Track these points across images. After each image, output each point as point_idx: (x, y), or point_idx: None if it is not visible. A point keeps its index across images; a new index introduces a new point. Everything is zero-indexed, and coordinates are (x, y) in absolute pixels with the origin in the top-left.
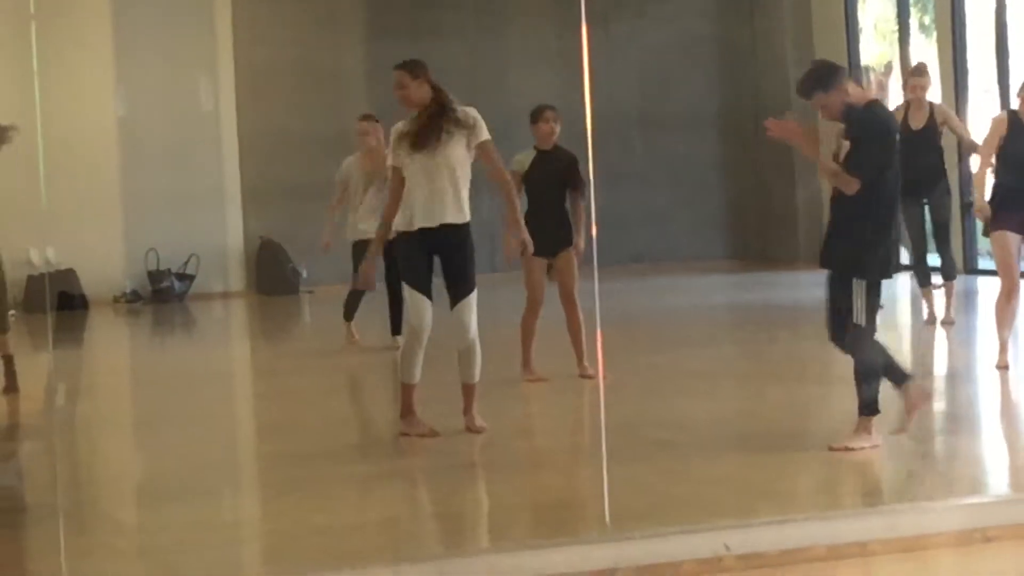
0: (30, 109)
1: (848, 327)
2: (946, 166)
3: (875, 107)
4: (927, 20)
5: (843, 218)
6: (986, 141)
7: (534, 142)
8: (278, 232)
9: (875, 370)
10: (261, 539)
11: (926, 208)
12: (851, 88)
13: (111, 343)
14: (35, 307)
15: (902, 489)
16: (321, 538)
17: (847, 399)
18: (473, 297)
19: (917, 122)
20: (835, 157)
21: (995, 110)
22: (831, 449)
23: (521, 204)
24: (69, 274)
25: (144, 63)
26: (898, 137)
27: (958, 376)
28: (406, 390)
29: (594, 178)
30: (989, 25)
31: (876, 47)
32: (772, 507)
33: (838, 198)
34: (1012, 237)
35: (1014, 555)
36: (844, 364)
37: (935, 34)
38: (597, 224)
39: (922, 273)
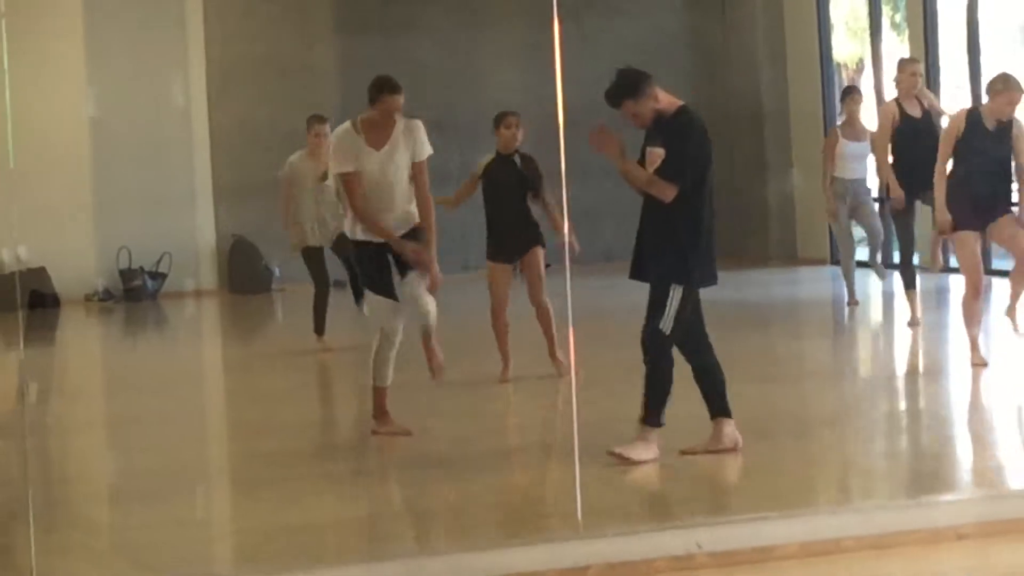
0: (0, 108)
1: (647, 327)
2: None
3: (684, 114)
4: (898, 17)
5: (661, 226)
6: (942, 139)
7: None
8: (250, 230)
9: (667, 380)
10: (234, 537)
11: (916, 208)
12: (660, 95)
13: (83, 342)
14: (6, 306)
15: (875, 486)
16: (294, 536)
17: (819, 396)
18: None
19: (914, 110)
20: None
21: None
22: (609, 454)
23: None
24: (40, 272)
25: (115, 60)
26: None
27: (935, 374)
28: (379, 392)
29: (565, 175)
30: (961, 22)
31: (848, 44)
32: (744, 504)
33: (653, 207)
34: (974, 236)
35: (986, 553)
36: (816, 361)
37: (907, 31)
38: (569, 221)
39: (909, 275)
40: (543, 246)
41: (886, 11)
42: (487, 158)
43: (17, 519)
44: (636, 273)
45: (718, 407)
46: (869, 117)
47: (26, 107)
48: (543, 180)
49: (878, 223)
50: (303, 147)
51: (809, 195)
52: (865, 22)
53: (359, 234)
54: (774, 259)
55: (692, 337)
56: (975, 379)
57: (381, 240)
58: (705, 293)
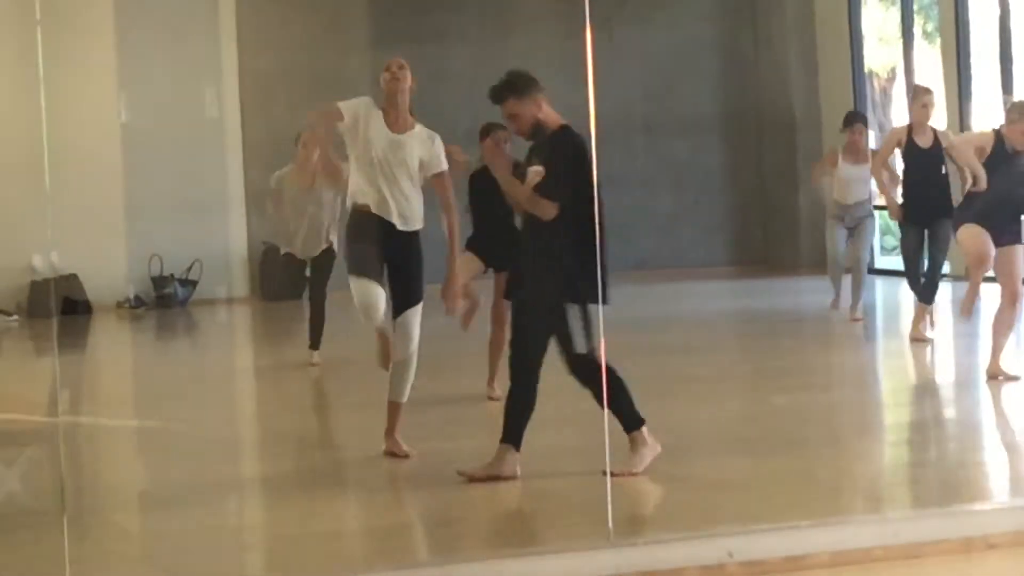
0: (36, 115)
1: (572, 357)
2: (951, 202)
3: (567, 131)
4: (930, 27)
5: (547, 245)
6: (968, 149)
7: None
8: None
9: (623, 384)
10: (264, 545)
11: (925, 235)
12: (545, 107)
13: (114, 349)
14: (39, 312)
15: (905, 496)
16: (324, 544)
17: (851, 405)
18: (419, 308)
19: (924, 141)
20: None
21: (999, 117)
22: (614, 475)
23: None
24: (72, 280)
25: (148, 69)
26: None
27: (965, 384)
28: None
29: (597, 184)
30: (993, 32)
31: (880, 53)
32: (775, 514)
33: (535, 226)
34: (1014, 251)
35: (1016, 562)
36: (847, 370)
37: (939, 40)
38: (600, 230)
39: (918, 292)
40: None
41: (918, 20)
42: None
43: (50, 526)
44: (515, 291)
45: (510, 432)
46: None
47: (60, 116)
48: None
49: (866, 256)
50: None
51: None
52: (897, 31)
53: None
54: (805, 267)
55: (534, 357)
56: (1004, 390)
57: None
58: (735, 302)
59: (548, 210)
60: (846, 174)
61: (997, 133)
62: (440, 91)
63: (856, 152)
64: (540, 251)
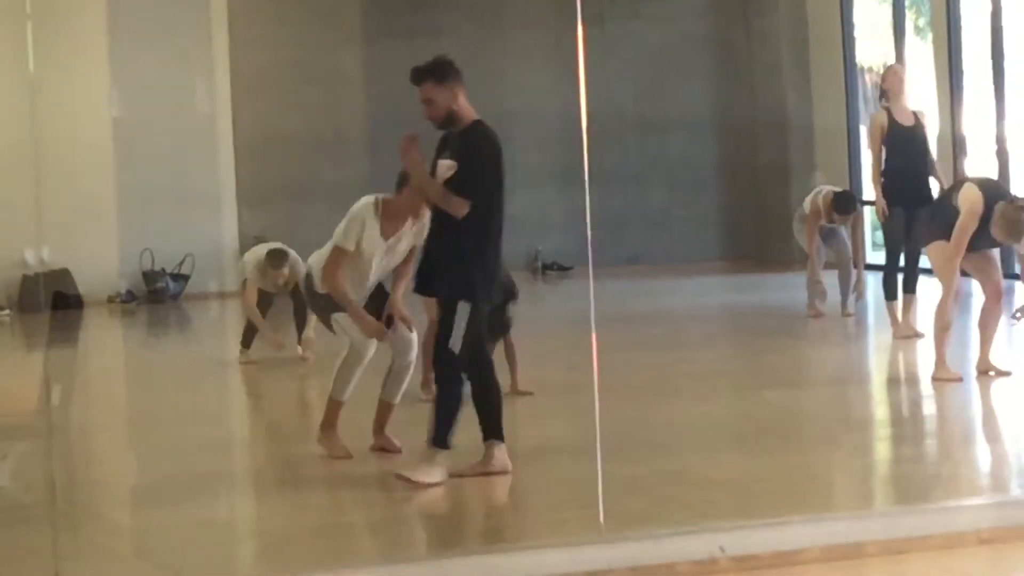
0: (27, 110)
1: (463, 354)
2: (931, 190)
3: (482, 127)
4: (922, 22)
5: (450, 242)
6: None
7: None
8: (273, 233)
9: (494, 395)
10: (256, 538)
11: (900, 215)
12: (461, 100)
13: (106, 343)
14: (30, 307)
15: (897, 491)
16: (316, 537)
17: (843, 400)
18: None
19: (904, 119)
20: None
21: (990, 111)
22: (397, 477)
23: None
24: (64, 274)
25: (140, 63)
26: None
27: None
28: (334, 405)
29: (589, 179)
30: (985, 27)
31: (872, 48)
32: (767, 509)
33: (443, 221)
34: (985, 254)
35: (1008, 557)
36: (839, 365)
37: (930, 36)
38: (593, 226)
39: (890, 286)
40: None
41: (910, 15)
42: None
43: (40, 521)
44: (421, 287)
45: (440, 436)
46: None
47: (51, 110)
48: None
49: (848, 251)
50: (326, 152)
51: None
52: (889, 26)
53: None
54: (797, 263)
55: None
56: (994, 385)
57: None
58: (728, 297)
59: (459, 207)
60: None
61: None
62: None
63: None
64: (444, 248)
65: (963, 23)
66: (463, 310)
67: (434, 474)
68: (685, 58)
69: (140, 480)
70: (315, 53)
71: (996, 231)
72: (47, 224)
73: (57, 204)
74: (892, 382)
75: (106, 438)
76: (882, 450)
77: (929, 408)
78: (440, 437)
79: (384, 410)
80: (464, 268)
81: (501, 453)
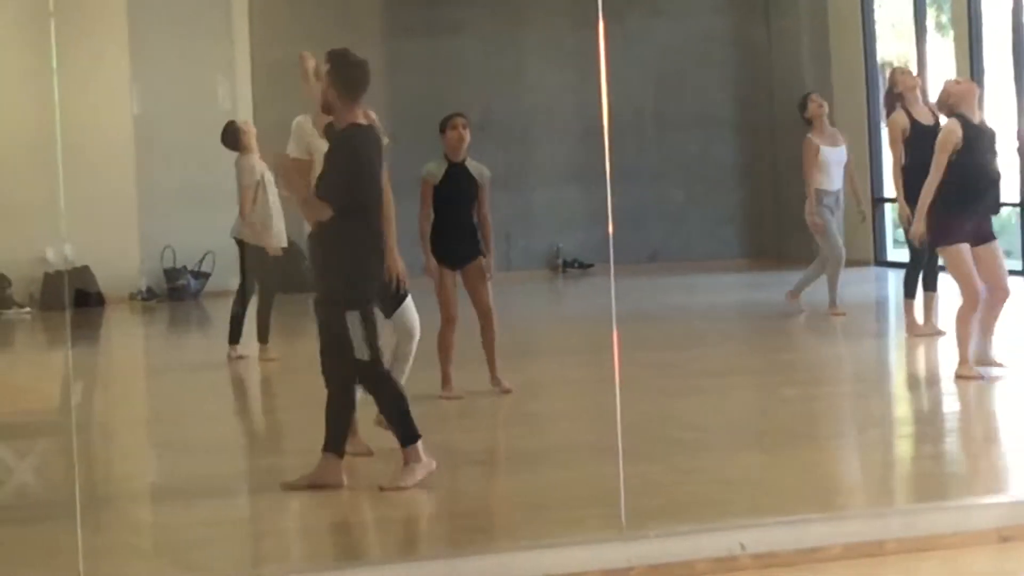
0: (49, 108)
1: (351, 364)
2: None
3: (352, 131)
4: (944, 19)
5: (326, 248)
6: (941, 150)
7: (443, 151)
8: (293, 230)
9: (400, 396)
10: (277, 536)
11: None
12: (355, 106)
13: (127, 341)
14: (52, 305)
15: (917, 489)
16: (335, 535)
17: (862, 398)
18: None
19: (924, 118)
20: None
21: (1011, 108)
22: (382, 489)
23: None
24: (85, 272)
25: (161, 61)
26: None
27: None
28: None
29: (610, 176)
30: (1006, 24)
31: (893, 45)
32: (787, 506)
33: (318, 226)
34: (967, 249)
35: None
36: (859, 363)
37: (952, 33)
38: (612, 223)
39: (911, 283)
40: (484, 255)
41: (931, 13)
42: (438, 164)
43: (63, 518)
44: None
45: (406, 435)
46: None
47: (72, 107)
48: (487, 194)
49: (839, 249)
50: None
51: (853, 196)
52: (910, 23)
53: None
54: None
55: (338, 361)
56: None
57: None
58: (747, 295)
59: (319, 211)
60: (829, 158)
61: (964, 121)
62: (452, 83)
63: (825, 134)
64: (324, 254)
65: (984, 20)
66: (351, 319)
67: (423, 466)
68: (705, 56)
69: (162, 477)
70: None
71: None
72: (68, 222)
73: (78, 202)
74: (912, 380)
75: (128, 436)
76: (902, 447)
77: (950, 406)
78: (408, 436)
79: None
80: (341, 275)
81: (423, 457)
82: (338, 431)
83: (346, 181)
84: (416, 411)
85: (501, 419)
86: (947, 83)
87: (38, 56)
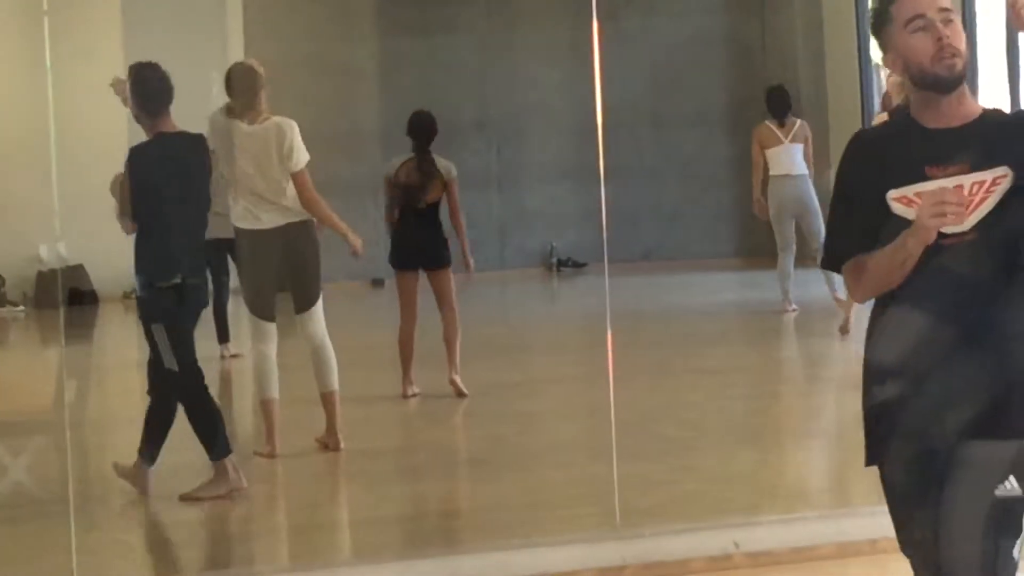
0: (43, 105)
1: (163, 377)
2: None
3: (163, 138)
4: None
5: (136, 259)
6: None
7: (411, 146)
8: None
9: (212, 411)
10: (269, 534)
11: None
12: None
13: (121, 339)
14: (45, 303)
15: None
16: (328, 533)
17: (859, 397)
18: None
19: None
20: None
21: (1005, 106)
22: (182, 498)
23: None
24: (79, 270)
25: (155, 58)
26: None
27: None
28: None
29: (604, 175)
30: (1000, 22)
31: None
32: (782, 504)
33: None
34: None
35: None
36: (854, 361)
37: None
38: (606, 222)
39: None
40: (449, 254)
41: None
42: (400, 159)
43: (57, 516)
44: None
45: (217, 449)
46: None
47: (66, 105)
48: (456, 185)
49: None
50: (340, 147)
51: None
52: None
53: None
54: (811, 258)
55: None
56: None
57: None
58: (741, 293)
59: (125, 226)
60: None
61: None
62: (447, 82)
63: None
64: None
65: (978, 19)
66: (158, 332)
67: (228, 483)
68: (700, 54)
69: (156, 476)
70: (329, 48)
71: None
72: (62, 220)
73: (72, 200)
74: None
75: (121, 433)
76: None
77: None
78: (217, 448)
79: (332, 403)
80: (142, 289)
81: (232, 471)
82: (152, 440)
83: (136, 195)
84: (409, 410)
85: (495, 418)
86: None
87: (32, 54)
